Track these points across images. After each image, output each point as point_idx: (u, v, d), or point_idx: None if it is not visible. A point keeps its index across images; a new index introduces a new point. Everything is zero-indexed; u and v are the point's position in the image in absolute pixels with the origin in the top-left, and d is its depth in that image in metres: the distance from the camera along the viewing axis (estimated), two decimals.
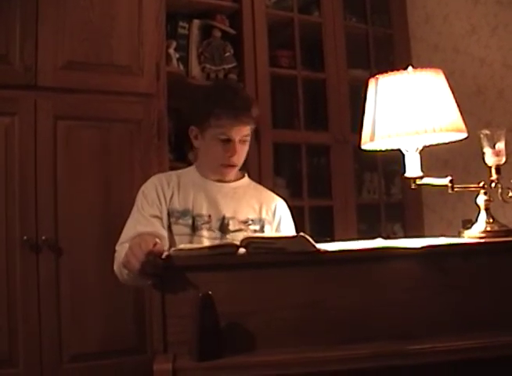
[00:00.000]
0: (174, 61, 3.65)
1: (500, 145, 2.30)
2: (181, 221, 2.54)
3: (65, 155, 3.05)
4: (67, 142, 3.06)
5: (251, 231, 2.60)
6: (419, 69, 2.33)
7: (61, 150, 3.04)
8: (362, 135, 2.40)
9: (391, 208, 4.41)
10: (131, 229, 2.50)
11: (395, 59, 4.42)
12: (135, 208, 2.58)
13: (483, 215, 2.30)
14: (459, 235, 2.34)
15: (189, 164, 3.66)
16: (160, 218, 2.53)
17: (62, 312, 2.96)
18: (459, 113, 2.33)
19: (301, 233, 1.96)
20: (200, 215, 2.56)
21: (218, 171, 2.63)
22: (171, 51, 3.63)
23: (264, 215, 2.67)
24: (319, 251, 1.94)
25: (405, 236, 3.89)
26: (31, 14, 3.03)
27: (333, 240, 3.13)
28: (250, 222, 2.63)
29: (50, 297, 2.94)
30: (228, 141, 2.53)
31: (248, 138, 2.58)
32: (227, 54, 3.83)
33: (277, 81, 3.96)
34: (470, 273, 2.01)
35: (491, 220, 2.29)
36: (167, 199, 2.57)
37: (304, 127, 4.05)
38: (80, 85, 3.11)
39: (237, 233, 2.55)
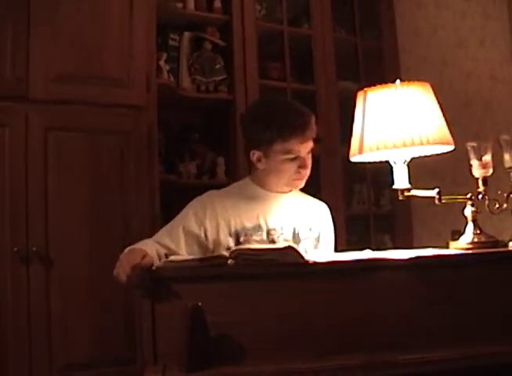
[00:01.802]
0: (165, 73, 3.67)
1: (487, 157, 2.32)
2: (255, 237, 2.51)
3: (56, 167, 3.05)
4: (58, 153, 3.06)
5: (314, 238, 2.65)
6: (406, 82, 2.35)
7: (52, 161, 3.04)
8: (350, 147, 2.43)
9: (380, 219, 4.44)
10: (159, 234, 2.48)
11: (384, 71, 4.45)
12: (179, 216, 2.56)
13: (470, 227, 2.32)
14: (446, 246, 2.36)
15: (180, 176, 3.70)
16: (197, 237, 2.48)
17: (52, 323, 2.96)
18: (446, 126, 2.36)
19: (290, 245, 1.98)
20: (274, 229, 2.55)
21: (292, 185, 2.61)
22: (162, 63, 3.65)
23: (318, 222, 2.70)
24: (307, 262, 1.96)
25: (395, 248, 3.90)
26: (23, 26, 3.04)
27: None
28: (313, 229, 2.66)
29: (40, 308, 2.95)
30: (297, 158, 2.51)
31: (311, 149, 2.56)
32: (217, 66, 3.85)
33: (267, 93, 3.98)
34: (457, 284, 2.02)
35: (478, 231, 2.30)
36: (229, 219, 2.52)
37: None
38: (71, 97, 3.12)
39: (306, 241, 2.61)
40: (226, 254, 2.03)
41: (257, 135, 2.55)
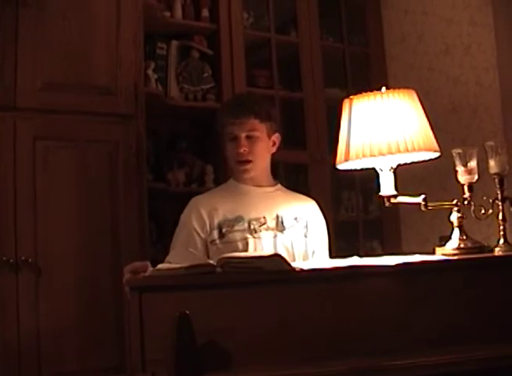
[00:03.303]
0: (153, 82, 3.68)
1: (472, 163, 2.35)
2: (236, 227, 2.66)
3: (44, 175, 3.04)
4: (46, 162, 3.05)
5: (302, 226, 2.76)
6: (392, 89, 2.37)
7: (40, 170, 3.03)
8: (336, 154, 2.44)
9: (368, 225, 4.45)
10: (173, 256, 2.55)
11: (372, 78, 4.47)
12: (177, 234, 2.71)
13: (456, 232, 2.34)
14: (433, 252, 2.38)
15: (169, 184, 3.71)
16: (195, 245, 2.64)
17: (41, 332, 2.94)
18: (431, 133, 2.38)
19: (277, 252, 2.00)
20: (256, 218, 2.68)
21: (238, 170, 2.77)
22: (150, 72, 3.66)
23: (304, 213, 2.80)
24: (294, 269, 1.97)
25: (383, 253, 3.92)
26: (10, 35, 3.04)
27: None
28: (299, 218, 2.76)
29: (29, 316, 2.93)
30: (235, 138, 2.71)
31: (255, 133, 2.72)
32: (205, 74, 3.86)
33: None
34: (443, 290, 2.03)
35: (464, 237, 2.32)
36: (212, 215, 2.68)
37: (282, 146, 4.06)
38: (59, 106, 3.11)
39: (292, 229, 2.73)
40: (213, 262, 2.04)
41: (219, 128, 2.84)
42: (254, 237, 2.64)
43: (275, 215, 2.71)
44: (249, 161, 2.72)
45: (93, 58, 3.24)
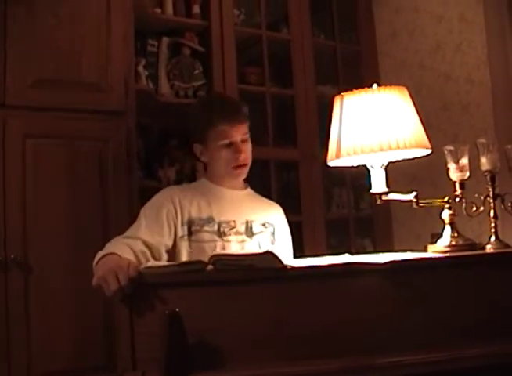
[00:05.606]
0: (144, 78, 3.66)
1: (464, 160, 2.35)
2: (206, 228, 2.60)
3: (34, 173, 3.04)
4: (36, 160, 3.05)
5: (270, 233, 2.74)
6: (383, 86, 2.37)
7: (30, 168, 3.03)
8: (328, 151, 2.43)
9: (360, 223, 4.44)
10: (136, 229, 2.51)
11: (363, 75, 4.46)
12: (145, 211, 2.60)
13: (448, 230, 2.34)
14: (424, 249, 2.38)
15: (160, 181, 3.69)
16: (169, 228, 2.56)
17: (31, 331, 2.94)
18: (422, 130, 2.37)
19: (269, 250, 1.99)
20: (226, 222, 2.63)
21: (233, 174, 2.70)
22: (140, 68, 3.64)
23: (272, 219, 2.78)
24: (285, 267, 1.96)
25: (375, 251, 3.92)
26: None
27: (302, 255, 3.14)
28: (267, 224, 2.74)
29: (19, 315, 2.93)
30: (232, 144, 2.62)
31: (247, 136, 2.69)
32: (196, 71, 3.84)
33: (246, 98, 3.97)
34: (435, 287, 2.02)
35: (455, 234, 2.33)
36: (185, 208, 2.61)
37: (273, 143, 4.07)
38: (49, 103, 3.10)
39: (260, 235, 2.70)
40: (205, 259, 2.02)
41: (195, 128, 2.74)
42: (223, 240, 2.61)
43: (244, 220, 2.68)
44: (246, 165, 2.71)
45: (83, 55, 3.23)
